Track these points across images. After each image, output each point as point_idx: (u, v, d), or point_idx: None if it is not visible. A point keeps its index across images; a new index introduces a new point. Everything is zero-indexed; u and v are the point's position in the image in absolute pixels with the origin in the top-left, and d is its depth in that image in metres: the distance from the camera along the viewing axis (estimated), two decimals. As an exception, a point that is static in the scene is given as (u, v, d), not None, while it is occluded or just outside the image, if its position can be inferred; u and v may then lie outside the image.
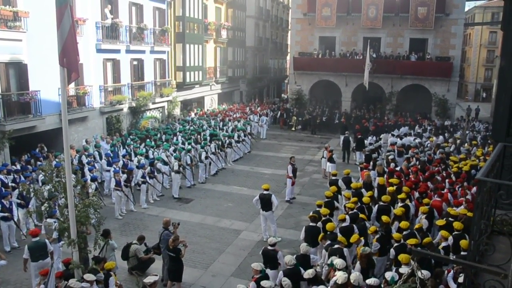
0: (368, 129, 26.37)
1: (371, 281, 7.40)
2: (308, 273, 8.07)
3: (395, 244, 9.31)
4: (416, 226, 10.27)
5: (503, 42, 8.86)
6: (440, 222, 10.00)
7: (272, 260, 9.30)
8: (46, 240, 9.95)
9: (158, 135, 22.02)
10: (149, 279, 8.12)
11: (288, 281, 7.70)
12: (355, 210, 11.23)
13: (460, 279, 7.43)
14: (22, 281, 10.35)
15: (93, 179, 14.47)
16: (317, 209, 11.49)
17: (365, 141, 22.52)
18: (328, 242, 9.55)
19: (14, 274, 10.56)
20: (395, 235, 9.57)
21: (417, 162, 16.84)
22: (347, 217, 10.64)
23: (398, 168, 15.86)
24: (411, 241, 8.89)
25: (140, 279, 8.94)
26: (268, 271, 8.97)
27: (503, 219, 5.07)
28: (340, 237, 9.44)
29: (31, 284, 9.83)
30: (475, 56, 60.71)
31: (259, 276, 8.16)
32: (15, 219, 12.17)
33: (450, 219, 10.28)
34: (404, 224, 10.00)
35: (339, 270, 7.82)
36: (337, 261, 8.11)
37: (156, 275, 8.44)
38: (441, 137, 23.75)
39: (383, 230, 10.02)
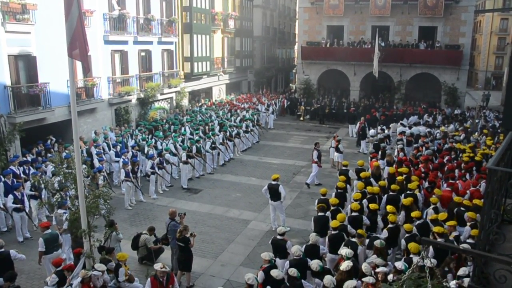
0: (377, 119, 26.26)
1: (380, 269, 7.44)
2: (313, 265, 8.10)
3: (406, 235, 9.30)
4: (431, 217, 10.21)
5: (514, 29, 8.73)
6: (442, 215, 9.95)
7: (281, 250, 9.34)
8: (57, 232, 10.09)
9: (167, 125, 22.10)
10: (158, 266, 8.22)
11: (295, 270, 7.71)
12: (364, 200, 11.22)
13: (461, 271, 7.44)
14: (35, 271, 10.52)
15: (99, 170, 14.59)
16: (322, 197, 11.51)
17: (371, 131, 22.55)
18: (333, 232, 9.57)
19: (27, 264, 10.70)
20: (406, 226, 9.55)
21: (426, 152, 16.72)
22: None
23: (407, 159, 15.80)
24: (438, 229, 8.84)
25: (150, 269, 9.04)
26: (278, 260, 9.03)
27: (514, 208, 5.05)
28: (361, 231, 9.50)
29: (43, 274, 9.98)
30: (485, 44, 59.80)
31: (267, 265, 8.21)
32: (27, 210, 12.34)
33: (461, 208, 10.24)
34: (416, 213, 9.99)
35: (348, 259, 7.86)
36: (346, 251, 8.14)
37: (166, 269, 8.48)
38: (451, 126, 23.58)
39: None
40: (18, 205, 12.02)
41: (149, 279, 8.24)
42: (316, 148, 17.12)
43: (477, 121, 25.75)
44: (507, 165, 5.63)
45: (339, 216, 10.01)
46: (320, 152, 17.28)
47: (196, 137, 19.37)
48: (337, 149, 18.85)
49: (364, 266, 7.73)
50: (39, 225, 10.70)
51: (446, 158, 15.78)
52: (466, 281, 6.81)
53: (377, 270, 7.55)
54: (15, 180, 12.87)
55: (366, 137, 22.37)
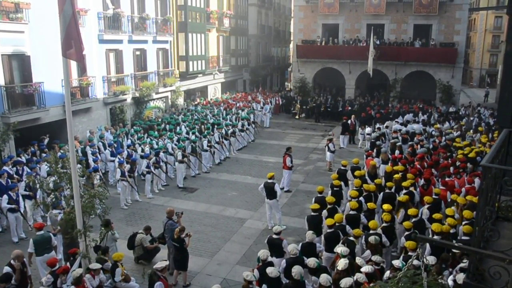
0: (372, 117, 26.29)
1: (366, 268, 7.45)
2: (310, 263, 8.09)
3: (406, 233, 9.30)
4: (435, 216, 10.21)
5: (508, 26, 8.77)
6: (450, 211, 9.98)
7: (277, 249, 9.34)
8: (51, 234, 9.97)
9: (163, 125, 22.06)
10: (160, 264, 8.21)
11: (300, 268, 7.67)
12: (360, 198, 11.23)
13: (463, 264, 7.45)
14: (31, 271, 10.43)
15: (95, 170, 14.53)
16: (319, 195, 11.51)
17: (367, 129, 22.61)
18: (329, 230, 9.57)
19: (22, 264, 10.66)
20: (406, 223, 9.55)
21: (421, 150, 16.73)
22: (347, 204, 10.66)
23: (402, 156, 15.82)
24: (436, 226, 8.84)
25: (146, 268, 9.02)
26: (274, 259, 9.02)
27: (508, 205, 5.07)
28: (357, 231, 9.51)
29: (39, 274, 9.92)
30: (480, 42, 60.02)
31: (262, 264, 8.21)
32: (21, 211, 12.28)
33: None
34: (412, 211, 9.99)
35: (343, 256, 7.87)
36: (342, 249, 8.15)
37: (166, 261, 8.49)
38: (447, 124, 23.64)
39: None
40: (13, 206, 11.96)
41: (159, 283, 8.08)
42: (288, 154, 16.16)
43: (471, 118, 25.85)
44: (502, 162, 5.66)
45: (336, 216, 9.99)
46: (291, 157, 16.32)
47: (192, 137, 19.34)
48: (328, 148, 18.85)
49: (358, 261, 7.76)
50: (33, 226, 10.63)
51: (443, 155, 15.81)
52: (458, 278, 6.85)
53: (362, 269, 7.53)
54: (9, 180, 12.81)
55: (344, 133, 23.38)
